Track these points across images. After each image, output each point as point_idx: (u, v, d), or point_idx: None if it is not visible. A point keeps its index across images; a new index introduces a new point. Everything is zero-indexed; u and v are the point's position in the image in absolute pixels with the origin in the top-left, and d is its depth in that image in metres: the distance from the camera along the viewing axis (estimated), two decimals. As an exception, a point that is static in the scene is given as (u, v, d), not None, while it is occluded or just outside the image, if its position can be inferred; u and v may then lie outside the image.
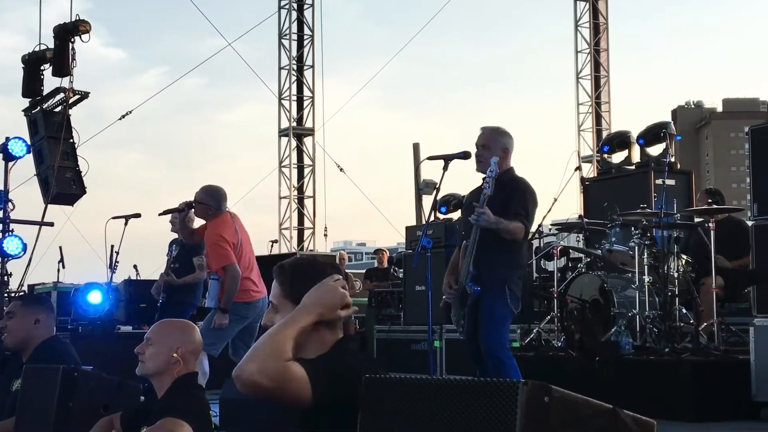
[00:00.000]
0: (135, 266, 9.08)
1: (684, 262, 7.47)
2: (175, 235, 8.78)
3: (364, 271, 14.96)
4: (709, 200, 7.80)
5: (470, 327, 5.61)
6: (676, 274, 7.27)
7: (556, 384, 2.01)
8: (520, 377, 5.04)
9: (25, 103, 11.10)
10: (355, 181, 21.46)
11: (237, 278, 6.75)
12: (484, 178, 5.47)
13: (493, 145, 5.68)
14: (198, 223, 7.38)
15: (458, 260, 5.80)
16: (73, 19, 10.53)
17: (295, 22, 19.46)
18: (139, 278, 11.33)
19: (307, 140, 19.53)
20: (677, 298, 7.18)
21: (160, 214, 7.52)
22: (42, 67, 10.87)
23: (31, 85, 10.90)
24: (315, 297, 2.54)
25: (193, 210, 7.13)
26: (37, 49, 10.86)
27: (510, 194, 5.51)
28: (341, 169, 19.35)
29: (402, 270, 11.52)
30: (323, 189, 19.51)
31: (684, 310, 7.26)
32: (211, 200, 6.98)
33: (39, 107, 10.84)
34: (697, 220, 8.32)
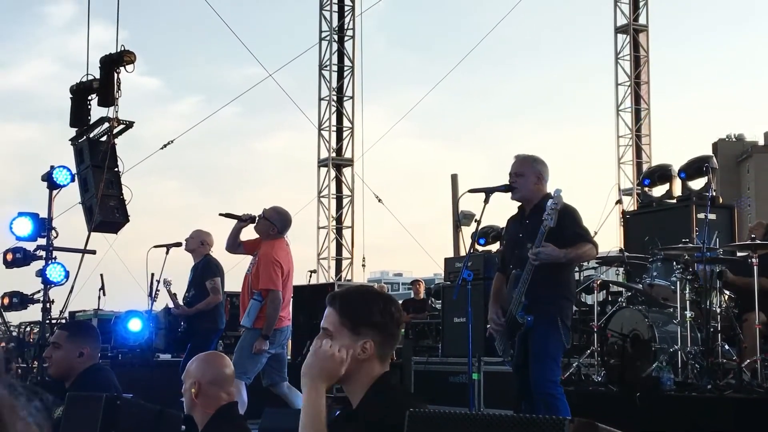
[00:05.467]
0: (175, 294, 9.12)
1: (726, 297, 7.37)
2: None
3: (401, 302, 14.93)
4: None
5: (519, 358, 5.55)
6: (718, 310, 7.17)
7: (595, 420, 1.99)
8: (569, 414, 4.98)
9: (67, 129, 11.26)
10: (393, 212, 21.47)
11: (278, 306, 6.84)
12: (546, 209, 5.37)
13: (528, 172, 5.67)
14: (246, 236, 7.41)
15: (499, 289, 5.76)
16: (119, 50, 10.71)
17: (336, 53, 19.63)
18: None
19: (346, 170, 19.62)
20: (720, 334, 7.08)
21: (220, 214, 7.57)
22: (89, 97, 11.05)
23: (79, 114, 11.08)
24: (315, 369, 2.53)
25: (254, 225, 7.18)
26: (84, 79, 11.05)
27: (559, 220, 5.46)
28: (379, 200, 19.40)
29: (440, 301, 11.48)
30: (361, 219, 19.58)
31: (726, 346, 7.15)
32: (278, 221, 7.06)
33: (85, 136, 11.00)
34: (739, 254, 8.22)
